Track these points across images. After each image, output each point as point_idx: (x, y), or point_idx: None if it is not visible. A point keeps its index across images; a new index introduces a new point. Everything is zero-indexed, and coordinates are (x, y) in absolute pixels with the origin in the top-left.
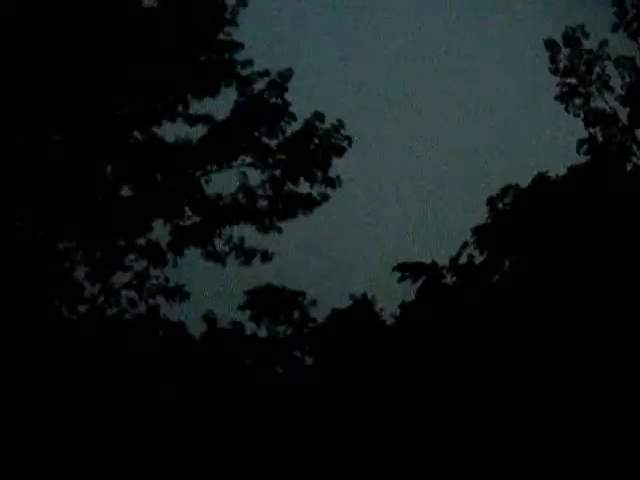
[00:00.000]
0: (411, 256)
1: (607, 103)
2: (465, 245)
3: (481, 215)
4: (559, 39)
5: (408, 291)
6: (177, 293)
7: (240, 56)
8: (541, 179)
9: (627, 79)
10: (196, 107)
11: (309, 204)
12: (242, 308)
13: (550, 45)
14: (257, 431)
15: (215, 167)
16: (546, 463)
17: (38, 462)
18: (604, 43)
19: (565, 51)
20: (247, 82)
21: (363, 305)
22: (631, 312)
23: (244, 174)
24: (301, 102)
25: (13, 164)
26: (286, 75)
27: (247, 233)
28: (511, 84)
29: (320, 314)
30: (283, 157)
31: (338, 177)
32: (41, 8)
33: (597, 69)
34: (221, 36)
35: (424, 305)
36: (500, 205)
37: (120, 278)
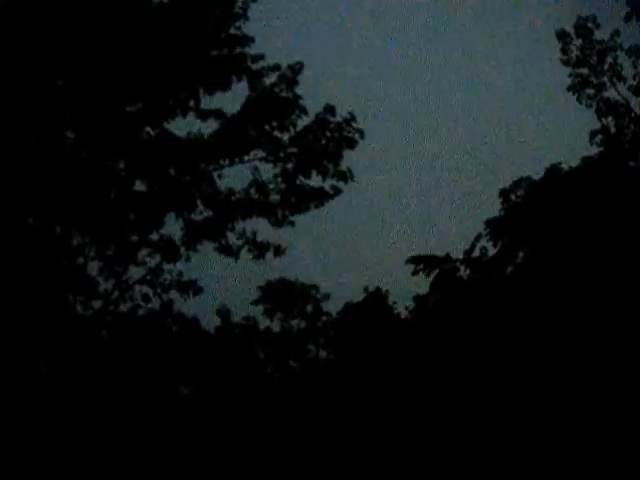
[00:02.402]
0: (424, 249)
1: (619, 93)
2: (478, 237)
3: (494, 207)
4: (571, 29)
5: (422, 284)
6: (190, 288)
7: (251, 50)
8: (554, 171)
9: None
10: (207, 102)
11: (321, 197)
12: (255, 302)
13: (562, 36)
14: (271, 425)
15: (227, 161)
16: (565, 460)
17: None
18: (616, 33)
19: (577, 42)
20: (258, 76)
21: (377, 298)
22: None
23: (256, 168)
24: (312, 95)
25: (26, 161)
26: (297, 68)
27: (260, 227)
28: (523, 75)
29: (334, 308)
30: (295, 151)
31: (350, 170)
32: (52, 5)
33: (609, 59)
34: (232, 30)
35: (438, 298)
36: (513, 197)
37: (134, 273)
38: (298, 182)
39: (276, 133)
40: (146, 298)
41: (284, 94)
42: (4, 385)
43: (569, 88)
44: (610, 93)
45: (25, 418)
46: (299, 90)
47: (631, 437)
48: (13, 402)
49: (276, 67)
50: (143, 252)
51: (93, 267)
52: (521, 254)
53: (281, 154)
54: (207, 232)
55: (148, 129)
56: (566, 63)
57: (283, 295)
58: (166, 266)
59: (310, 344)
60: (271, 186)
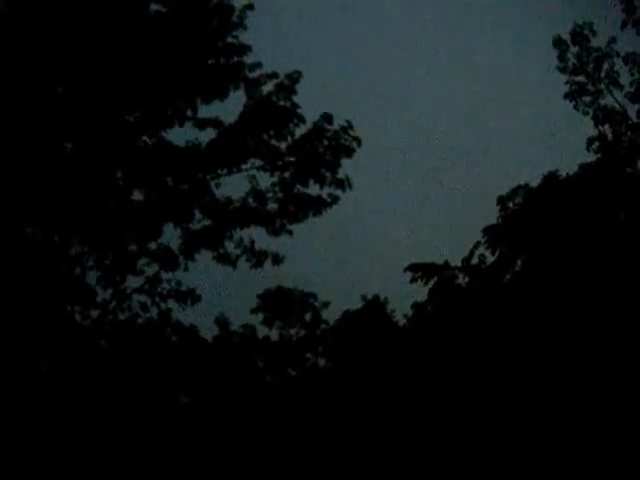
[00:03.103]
0: (423, 256)
1: (616, 100)
2: (477, 245)
3: (492, 215)
4: (567, 37)
5: (420, 292)
6: (189, 296)
7: (248, 59)
8: (552, 178)
9: (636, 76)
10: (205, 111)
11: (319, 206)
12: (254, 311)
13: (558, 43)
14: (271, 433)
15: (225, 170)
16: (556, 463)
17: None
18: (613, 40)
19: (574, 49)
20: (255, 85)
21: (375, 306)
22: None
23: (254, 177)
24: (309, 104)
25: (25, 169)
26: (295, 77)
27: (258, 236)
28: (520, 82)
29: (332, 316)
30: (292, 159)
31: (348, 178)
32: (51, 14)
33: (606, 66)
34: (229, 39)
35: (436, 305)
36: (511, 205)
37: (132, 282)
38: (296, 191)
39: (274, 142)
40: (144, 307)
41: (282, 103)
42: (4, 393)
43: (566, 95)
44: (607, 100)
45: (26, 425)
46: (296, 98)
47: (625, 445)
48: (13, 409)
49: (274, 75)
50: (141, 261)
51: (91, 276)
52: (519, 262)
53: (279, 163)
54: (205, 241)
55: (146, 138)
56: (563, 70)
57: (282, 303)
58: (164, 275)
59: (309, 352)
60: (269, 195)
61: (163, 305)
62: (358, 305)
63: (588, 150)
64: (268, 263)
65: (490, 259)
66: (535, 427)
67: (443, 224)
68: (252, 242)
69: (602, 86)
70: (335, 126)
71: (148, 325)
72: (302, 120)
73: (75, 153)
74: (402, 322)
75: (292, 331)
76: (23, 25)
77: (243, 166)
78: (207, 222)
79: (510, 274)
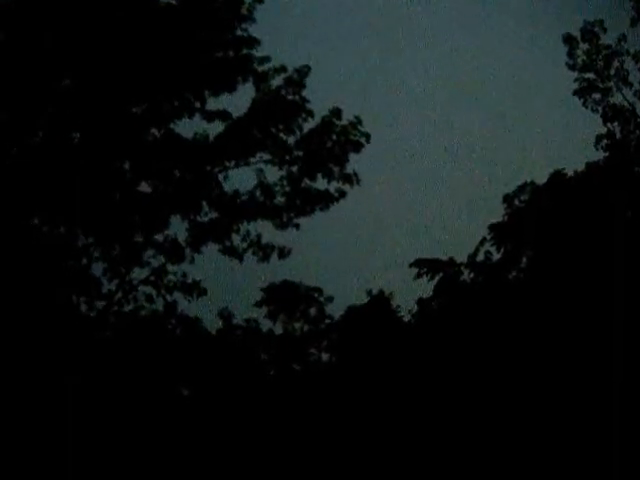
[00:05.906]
0: (428, 252)
1: (625, 98)
2: (483, 242)
3: (498, 212)
4: (577, 34)
5: (425, 288)
6: (194, 289)
7: (257, 52)
8: (558, 176)
9: None
10: (213, 103)
11: (326, 200)
12: (258, 304)
13: (569, 40)
14: (273, 427)
15: (233, 163)
16: (564, 462)
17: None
18: (622, 38)
19: (583, 46)
20: (264, 78)
21: (380, 301)
22: None
23: (261, 170)
24: (318, 98)
25: (32, 161)
26: (303, 71)
27: (264, 229)
28: (529, 79)
29: (337, 311)
30: (300, 154)
31: (355, 173)
32: (59, 5)
33: (615, 64)
34: (238, 32)
35: (441, 302)
36: (517, 202)
37: (138, 274)
38: (303, 185)
39: (282, 136)
40: (150, 299)
41: (291, 97)
42: (6, 384)
43: (575, 92)
44: (616, 98)
45: (28, 416)
46: (305, 92)
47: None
48: (15, 401)
49: (282, 69)
50: (147, 253)
51: (97, 267)
52: (524, 259)
53: (287, 157)
54: (212, 234)
55: (154, 130)
56: (572, 67)
57: (286, 297)
58: (170, 267)
59: (313, 347)
60: (276, 188)
61: (169, 297)
62: (363, 300)
63: (596, 148)
64: (274, 257)
65: (496, 256)
66: (539, 422)
67: (449, 220)
68: (259, 235)
69: (611, 84)
70: (344, 121)
71: (153, 317)
72: (311, 115)
73: (82, 144)
74: (407, 318)
75: (296, 325)
76: (31, 17)
77: (251, 159)
78: (214, 215)
79: (515, 271)
